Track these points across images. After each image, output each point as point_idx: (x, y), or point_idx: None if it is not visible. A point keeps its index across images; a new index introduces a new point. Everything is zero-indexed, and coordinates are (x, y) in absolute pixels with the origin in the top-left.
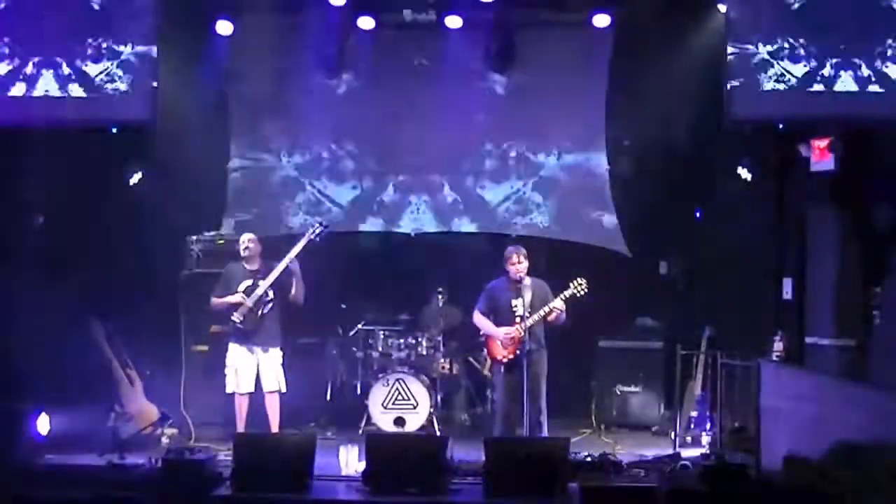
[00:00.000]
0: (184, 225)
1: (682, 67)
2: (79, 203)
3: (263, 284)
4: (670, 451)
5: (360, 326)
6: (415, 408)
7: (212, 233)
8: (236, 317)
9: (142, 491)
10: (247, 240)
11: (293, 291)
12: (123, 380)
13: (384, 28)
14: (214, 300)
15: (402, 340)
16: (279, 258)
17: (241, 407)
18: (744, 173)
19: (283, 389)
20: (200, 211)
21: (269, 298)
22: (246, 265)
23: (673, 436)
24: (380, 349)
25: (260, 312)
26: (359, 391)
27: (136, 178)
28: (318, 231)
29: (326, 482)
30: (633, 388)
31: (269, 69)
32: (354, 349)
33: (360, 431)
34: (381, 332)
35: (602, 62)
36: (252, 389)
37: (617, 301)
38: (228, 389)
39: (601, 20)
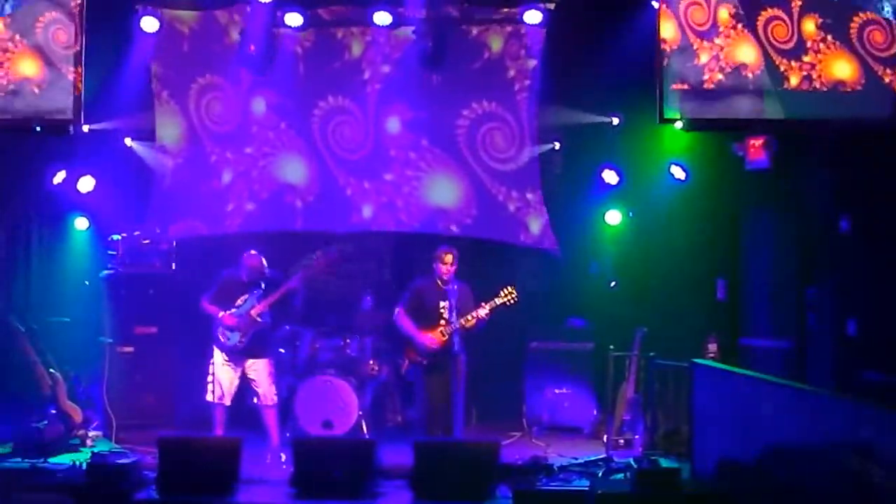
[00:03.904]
0: (111, 224)
1: (615, 64)
2: (2, 202)
3: (258, 307)
4: (602, 455)
5: (286, 327)
6: (343, 410)
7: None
8: (221, 334)
9: (65, 494)
10: (247, 256)
11: (293, 304)
12: (46, 381)
13: (312, 24)
14: (206, 306)
15: (329, 341)
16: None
17: (219, 417)
18: (678, 172)
19: (274, 401)
20: (130, 210)
21: (261, 318)
22: (244, 278)
23: (605, 439)
24: (307, 350)
25: (249, 331)
26: (285, 393)
27: (60, 177)
28: (323, 258)
29: (253, 485)
30: (564, 391)
31: (194, 66)
32: (281, 350)
33: (287, 434)
34: (308, 333)
35: (534, 59)
36: (228, 402)
37: (547, 302)
38: (208, 397)
39: (533, 16)
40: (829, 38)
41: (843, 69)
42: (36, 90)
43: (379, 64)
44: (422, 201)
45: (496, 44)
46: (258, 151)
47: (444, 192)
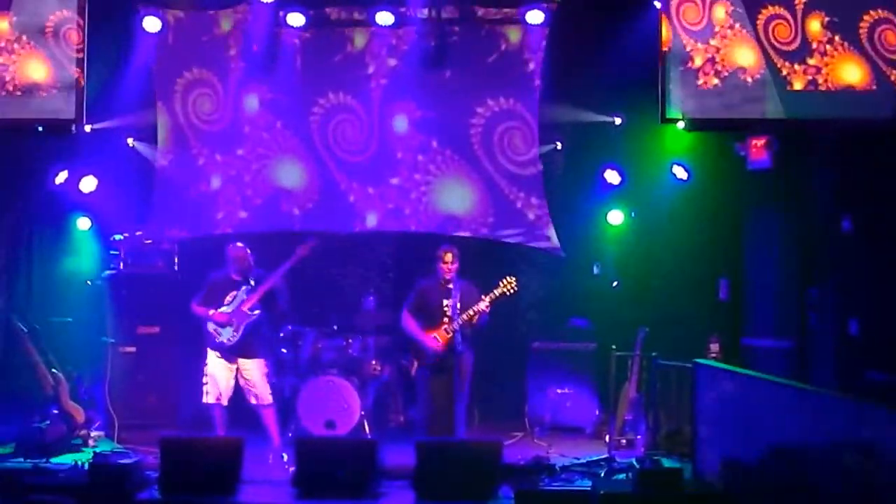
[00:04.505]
0: (113, 224)
1: (617, 64)
2: (4, 202)
3: (248, 301)
4: (604, 455)
5: (289, 327)
6: (345, 410)
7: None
8: (212, 329)
9: (67, 494)
10: (232, 248)
11: (279, 304)
12: (48, 381)
13: (314, 25)
14: (196, 308)
15: (332, 341)
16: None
17: (218, 417)
18: (680, 172)
19: (270, 400)
20: (132, 210)
21: (253, 312)
22: (231, 275)
23: (607, 439)
24: (309, 350)
25: (242, 325)
26: (287, 393)
27: (62, 177)
28: (305, 247)
29: (255, 485)
30: (566, 391)
31: (181, 59)
32: (284, 350)
33: (290, 434)
34: (311, 333)
35: (535, 59)
36: (225, 402)
37: (549, 302)
38: (205, 399)
39: (535, 16)
40: (837, 38)
41: (852, 73)
42: (44, 94)
43: (384, 57)
44: (431, 208)
45: (514, 34)
46: (251, 153)
47: (456, 198)
